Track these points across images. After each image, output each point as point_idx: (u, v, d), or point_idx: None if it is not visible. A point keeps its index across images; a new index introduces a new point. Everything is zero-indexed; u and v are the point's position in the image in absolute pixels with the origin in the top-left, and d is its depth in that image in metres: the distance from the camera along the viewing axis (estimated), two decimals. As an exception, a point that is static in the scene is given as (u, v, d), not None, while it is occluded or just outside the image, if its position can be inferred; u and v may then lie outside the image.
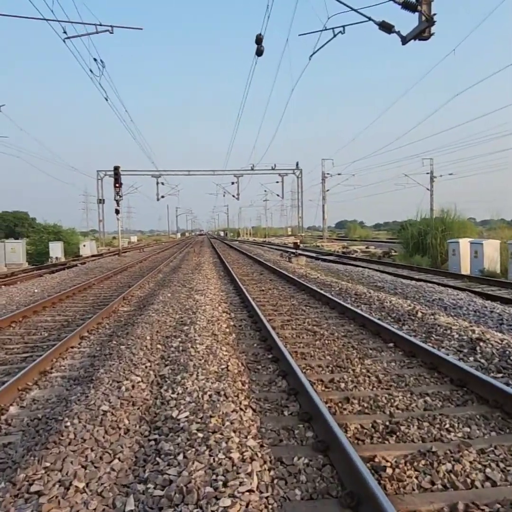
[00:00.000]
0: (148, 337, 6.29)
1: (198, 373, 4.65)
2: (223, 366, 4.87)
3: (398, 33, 9.11)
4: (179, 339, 6.16)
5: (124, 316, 8.69)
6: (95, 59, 11.71)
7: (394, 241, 41.73)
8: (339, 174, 46.06)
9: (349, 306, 8.36)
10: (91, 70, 11.73)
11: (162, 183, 50.89)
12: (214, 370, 4.73)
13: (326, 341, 6.31)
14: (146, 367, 5.02)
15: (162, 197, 51.92)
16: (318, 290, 10.46)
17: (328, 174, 48.26)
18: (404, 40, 9.04)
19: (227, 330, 6.89)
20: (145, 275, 16.69)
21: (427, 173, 50.82)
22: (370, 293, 9.84)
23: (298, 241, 21.92)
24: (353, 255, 27.02)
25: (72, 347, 6.33)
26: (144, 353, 5.48)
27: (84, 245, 40.15)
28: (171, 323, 7.34)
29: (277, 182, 52.77)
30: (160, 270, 18.41)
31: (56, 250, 34.70)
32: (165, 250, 38.23)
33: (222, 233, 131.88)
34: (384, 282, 12.88)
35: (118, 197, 27.13)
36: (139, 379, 4.59)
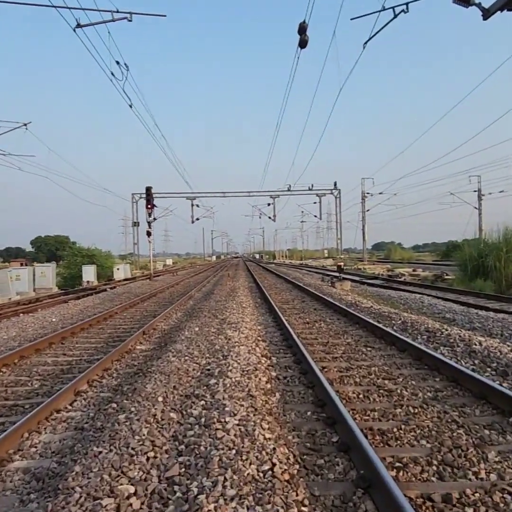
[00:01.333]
0: (160, 398, 4.57)
1: (225, 479, 2.87)
2: (266, 466, 3.05)
3: (478, 5, 7.31)
4: (202, 403, 4.40)
5: (138, 359, 7.02)
6: (117, 62, 10.46)
7: (442, 263, 38.94)
8: (380, 193, 43.90)
9: (424, 348, 6.40)
10: (112, 73, 10.50)
11: (197, 205, 50.05)
12: (251, 475, 2.93)
13: (411, 409, 4.39)
14: (147, 459, 3.27)
15: (197, 219, 51.01)
16: (376, 324, 8.53)
17: (368, 193, 46.14)
18: (487, 14, 7.22)
19: (268, 386, 5.08)
20: (174, 302, 15.15)
21: (475, 191, 47.88)
22: (446, 329, 7.81)
23: (342, 264, 19.98)
24: (401, 279, 24.73)
25: (58, 411, 4.66)
26: (149, 431, 3.74)
27: (117, 269, 39.49)
28: (195, 373, 5.60)
29: (315, 202, 50.99)
30: (191, 296, 16.85)
31: (89, 273, 34.03)
32: (199, 274, 36.90)
33: (257, 256, 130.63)
34: (453, 312, 10.75)
35: (150, 219, 26.04)
36: (131, 489, 2.85)
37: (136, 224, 48.52)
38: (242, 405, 4.22)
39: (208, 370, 5.67)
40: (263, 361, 6.13)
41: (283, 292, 17.27)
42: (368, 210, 46.40)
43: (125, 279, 33.83)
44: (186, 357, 6.36)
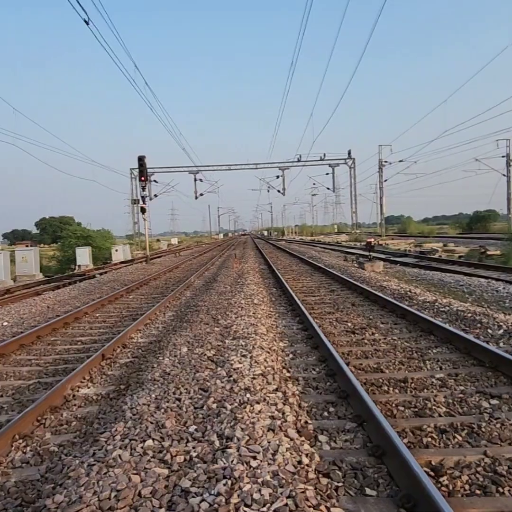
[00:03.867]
0: None
1: None
2: None
3: None
4: None
5: (62, 434, 3.80)
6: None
7: (469, 237, 35.44)
8: (400, 161, 40.04)
9: None
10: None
11: (201, 180, 46.66)
12: None
13: None
14: None
15: (201, 195, 47.70)
16: (466, 336, 5.29)
17: (386, 162, 42.28)
18: None
19: None
20: (167, 293, 11.99)
21: (503, 156, 43.82)
22: None
23: (373, 240, 16.62)
24: (435, 256, 21.34)
25: None
26: None
27: (116, 250, 36.46)
28: (152, 512, 2.38)
29: (327, 173, 47.38)
30: (189, 285, 13.67)
31: (83, 256, 31.17)
32: (204, 254, 33.73)
33: (265, 233, 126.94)
34: (561, 309, 7.45)
35: (144, 193, 22.66)
36: None
37: (135, 201, 45.29)
38: None
39: (185, 497, 2.46)
40: (305, 460, 2.88)
41: (303, 277, 14.03)
42: (386, 180, 42.63)
43: (123, 262, 30.77)
44: (147, 442, 3.14)
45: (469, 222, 49.95)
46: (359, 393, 3.87)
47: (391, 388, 4.25)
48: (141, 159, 22.26)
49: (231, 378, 4.33)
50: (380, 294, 9.23)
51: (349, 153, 46.63)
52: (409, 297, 8.91)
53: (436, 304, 7.91)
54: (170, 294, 11.40)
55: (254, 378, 4.30)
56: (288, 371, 4.77)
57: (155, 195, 45.57)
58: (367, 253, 21.10)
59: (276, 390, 4.03)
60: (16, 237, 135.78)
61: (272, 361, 4.96)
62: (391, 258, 20.36)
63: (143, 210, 22.77)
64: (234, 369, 4.61)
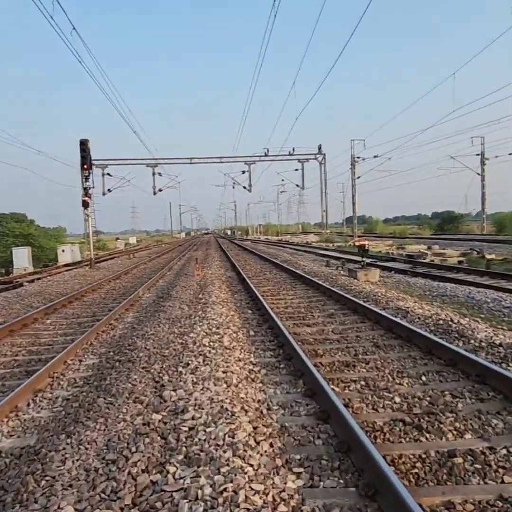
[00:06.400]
0: None
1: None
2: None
3: None
4: None
5: None
6: None
7: (445, 238, 33.49)
8: (375, 156, 37.69)
9: None
10: None
11: (159, 174, 42.84)
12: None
13: None
14: None
15: (160, 190, 43.86)
16: None
17: (358, 157, 39.90)
18: None
19: None
20: (99, 316, 8.63)
21: (477, 154, 42.36)
22: None
23: (366, 243, 13.74)
24: (425, 260, 18.74)
25: None
26: None
27: (62, 251, 32.32)
28: None
29: (296, 169, 44.66)
30: (134, 302, 10.28)
31: (21, 258, 27.05)
32: (162, 255, 30.09)
33: (229, 232, 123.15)
34: None
35: (87, 183, 18.87)
36: None
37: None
38: None
39: None
40: None
41: (283, 290, 10.90)
42: (359, 177, 40.26)
43: (67, 265, 26.76)
44: None
45: (440, 222, 48.41)
46: None
47: None
48: (83, 143, 18.52)
49: None
50: (408, 325, 6.23)
51: (320, 148, 44.07)
52: (458, 333, 5.93)
53: (518, 350, 4.94)
54: (103, 319, 8.03)
55: None
56: None
57: (109, 190, 41.45)
58: (348, 257, 18.35)
59: None
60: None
61: None
62: (379, 263, 17.56)
63: (85, 205, 18.97)
64: None
